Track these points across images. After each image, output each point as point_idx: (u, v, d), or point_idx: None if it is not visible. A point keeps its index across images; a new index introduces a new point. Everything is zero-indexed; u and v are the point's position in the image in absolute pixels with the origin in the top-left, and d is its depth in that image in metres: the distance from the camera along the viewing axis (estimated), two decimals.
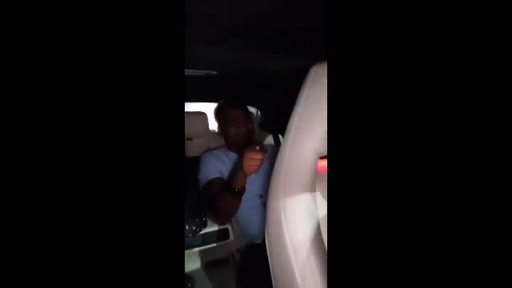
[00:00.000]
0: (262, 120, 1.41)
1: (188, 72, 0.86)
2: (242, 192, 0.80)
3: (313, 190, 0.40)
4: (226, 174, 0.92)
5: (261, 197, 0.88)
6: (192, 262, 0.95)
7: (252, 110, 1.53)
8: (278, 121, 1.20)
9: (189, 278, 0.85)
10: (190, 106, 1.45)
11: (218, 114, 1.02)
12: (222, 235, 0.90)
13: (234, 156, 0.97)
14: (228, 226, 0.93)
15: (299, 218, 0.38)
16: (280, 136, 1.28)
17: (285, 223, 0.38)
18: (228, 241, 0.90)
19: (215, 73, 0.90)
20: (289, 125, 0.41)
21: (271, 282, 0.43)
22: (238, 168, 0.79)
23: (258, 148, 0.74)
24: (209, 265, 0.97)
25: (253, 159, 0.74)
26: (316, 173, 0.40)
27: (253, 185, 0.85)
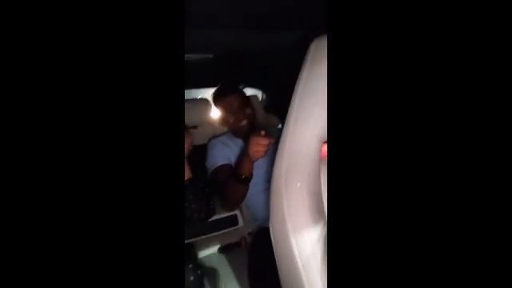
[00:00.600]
0: (267, 102, 1.36)
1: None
2: (249, 178, 0.79)
3: (316, 174, 0.38)
4: (233, 160, 0.91)
5: (268, 181, 0.86)
6: (203, 248, 0.98)
7: (256, 92, 1.48)
8: (283, 102, 1.15)
9: (200, 264, 0.87)
10: (192, 93, 1.43)
11: (214, 101, 0.99)
12: (230, 222, 0.90)
13: (240, 142, 0.95)
14: (237, 212, 0.94)
15: (302, 205, 0.37)
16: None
17: (287, 209, 0.38)
18: (237, 227, 0.91)
19: (211, 56, 0.86)
20: (290, 106, 0.39)
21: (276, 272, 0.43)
22: (244, 154, 0.78)
23: (263, 133, 0.71)
24: (221, 250, 0.99)
25: (259, 145, 0.72)
26: (320, 157, 0.38)
27: (260, 169, 0.84)
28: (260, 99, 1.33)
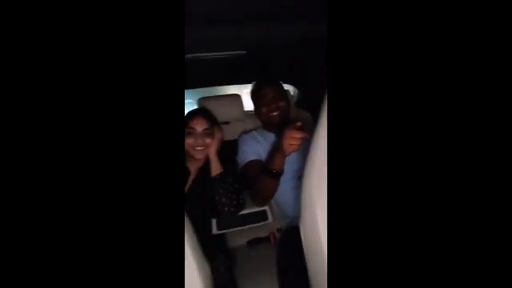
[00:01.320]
0: (299, 98, 1.33)
1: (215, 55, 0.85)
2: (280, 173, 0.78)
3: None
4: (263, 156, 0.91)
5: (299, 178, 0.85)
6: (234, 239, 1.01)
7: (288, 87, 1.46)
8: (316, 97, 1.12)
9: (230, 255, 0.90)
10: (224, 90, 1.46)
11: (251, 95, 1.01)
12: (260, 217, 0.91)
13: (271, 136, 0.95)
14: (266, 208, 0.94)
15: None
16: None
17: (318, 209, 0.36)
18: (266, 222, 0.92)
19: (244, 52, 0.86)
20: (323, 103, 0.38)
21: (306, 267, 0.42)
22: (276, 148, 0.77)
23: (299, 124, 0.69)
24: (250, 243, 1.01)
25: (293, 138, 0.70)
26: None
27: (292, 165, 0.82)
28: (292, 94, 1.30)
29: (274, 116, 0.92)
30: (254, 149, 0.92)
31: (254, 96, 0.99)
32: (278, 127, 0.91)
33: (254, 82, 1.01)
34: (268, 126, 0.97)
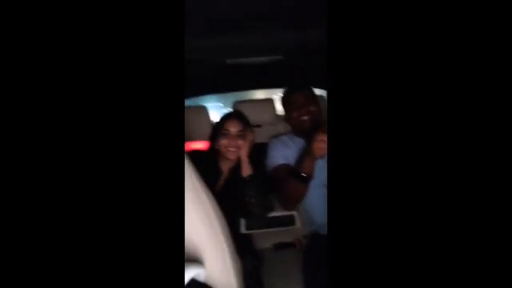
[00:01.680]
0: None
1: (252, 60, 0.88)
2: (309, 178, 0.78)
3: None
4: (292, 160, 0.91)
5: None
6: (260, 241, 1.02)
7: (321, 92, 1.43)
8: None
9: (256, 255, 0.91)
10: (257, 94, 1.49)
11: (282, 101, 1.02)
12: (287, 221, 0.91)
13: (300, 142, 0.95)
14: (294, 213, 0.94)
15: None
16: None
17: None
18: (294, 227, 0.91)
19: (281, 57, 0.88)
20: None
21: None
22: (306, 152, 0.78)
23: None
24: (277, 246, 1.01)
25: (323, 141, 0.70)
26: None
27: (320, 172, 0.81)
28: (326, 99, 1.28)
29: (304, 120, 0.92)
30: (284, 153, 0.93)
31: (285, 101, 0.99)
32: (308, 132, 0.90)
33: (284, 88, 1.02)
34: (298, 130, 0.97)
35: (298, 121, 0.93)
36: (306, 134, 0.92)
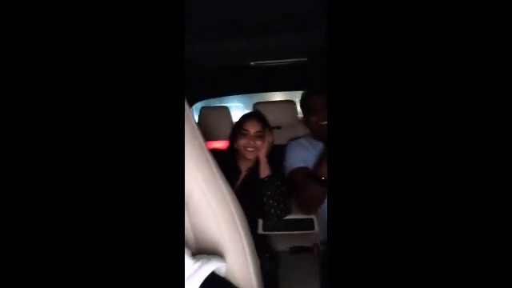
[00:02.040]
0: None
1: (277, 62, 0.88)
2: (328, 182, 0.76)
3: None
4: (310, 163, 0.90)
5: None
6: (277, 244, 1.01)
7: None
8: None
9: (275, 257, 0.91)
10: (276, 96, 1.49)
11: (300, 103, 1.00)
12: (306, 225, 0.90)
13: (319, 145, 0.93)
14: (313, 217, 0.92)
15: None
16: None
17: None
18: (312, 231, 0.89)
19: (305, 59, 0.87)
20: None
21: None
22: (325, 155, 0.76)
23: None
24: (293, 250, 1.00)
25: None
26: None
27: None
28: None
29: (323, 125, 0.89)
30: (302, 156, 0.92)
31: (303, 104, 0.97)
32: (326, 136, 0.88)
33: (303, 91, 1.00)
34: (317, 134, 0.95)
35: (316, 125, 0.91)
36: (325, 138, 0.91)
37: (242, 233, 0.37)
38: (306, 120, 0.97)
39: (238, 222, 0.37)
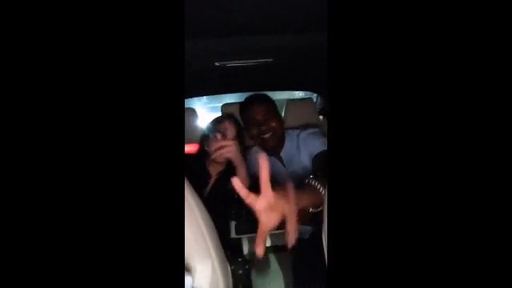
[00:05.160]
0: (322, 105, 1.32)
1: (243, 63, 0.87)
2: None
3: None
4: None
5: None
6: (251, 245, 1.01)
7: (311, 95, 1.45)
8: None
9: (247, 260, 0.90)
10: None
11: (240, 111, 0.92)
12: (281, 224, 0.91)
13: (273, 160, 0.90)
14: None
15: None
16: None
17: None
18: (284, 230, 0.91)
19: (271, 60, 0.88)
20: None
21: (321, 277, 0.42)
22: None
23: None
24: (269, 249, 1.00)
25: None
26: None
27: (306, 173, 0.81)
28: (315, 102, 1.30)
29: (266, 139, 0.85)
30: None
31: (244, 114, 0.89)
32: (275, 151, 0.88)
33: (245, 98, 0.93)
34: (260, 147, 0.91)
35: (259, 139, 0.87)
36: (271, 152, 0.89)
37: (210, 242, 0.36)
38: (248, 133, 0.90)
39: (205, 231, 0.35)
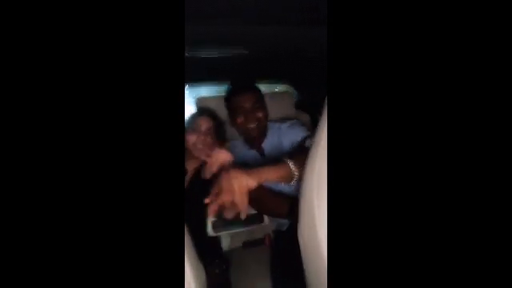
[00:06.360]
0: (298, 99, 1.32)
1: (217, 53, 0.83)
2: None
3: None
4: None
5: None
6: (228, 242, 1.00)
7: (288, 88, 1.44)
8: (316, 99, 1.11)
9: (224, 258, 0.89)
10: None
11: (225, 101, 0.90)
12: (256, 219, 0.90)
13: (251, 153, 0.91)
14: None
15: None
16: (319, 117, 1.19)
17: (318, 219, 0.35)
18: (262, 224, 0.91)
19: (247, 52, 0.85)
20: (324, 105, 0.37)
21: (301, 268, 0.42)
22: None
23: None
24: (245, 245, 1.00)
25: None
26: None
27: None
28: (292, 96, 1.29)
29: (251, 129, 0.83)
30: (243, 157, 0.90)
31: (229, 103, 0.87)
32: (257, 142, 0.87)
33: (229, 87, 0.92)
34: (245, 139, 0.90)
35: (243, 128, 0.84)
36: (253, 143, 0.89)
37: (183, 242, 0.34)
38: (231, 121, 0.88)
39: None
